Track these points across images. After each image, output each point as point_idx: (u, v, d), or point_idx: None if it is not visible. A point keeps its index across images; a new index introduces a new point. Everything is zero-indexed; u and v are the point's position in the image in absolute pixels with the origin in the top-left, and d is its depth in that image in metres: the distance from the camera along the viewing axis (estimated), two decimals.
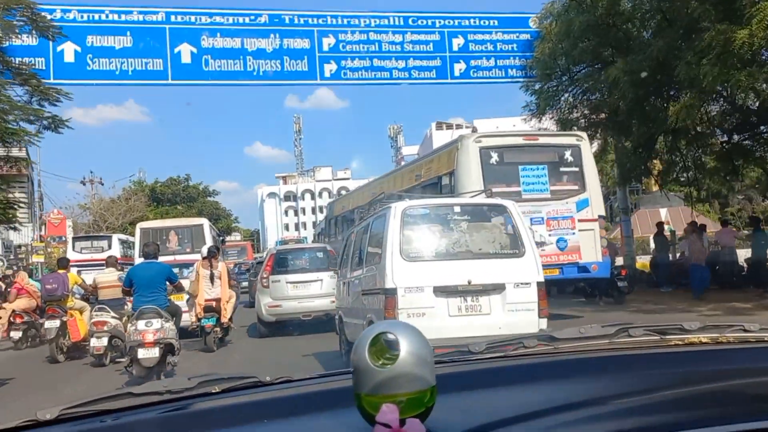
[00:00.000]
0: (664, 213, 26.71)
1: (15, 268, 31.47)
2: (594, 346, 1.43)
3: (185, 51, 16.27)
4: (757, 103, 13.31)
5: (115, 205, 43.21)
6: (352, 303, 7.28)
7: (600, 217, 11.27)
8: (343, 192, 47.09)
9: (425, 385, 0.95)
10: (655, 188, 23.62)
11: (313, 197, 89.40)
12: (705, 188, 19.09)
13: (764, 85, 11.41)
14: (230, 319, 10.68)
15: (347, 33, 16.83)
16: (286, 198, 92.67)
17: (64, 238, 30.44)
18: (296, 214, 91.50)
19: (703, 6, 11.20)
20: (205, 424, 1.12)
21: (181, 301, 9.69)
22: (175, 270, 9.02)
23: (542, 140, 11.77)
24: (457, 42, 17.35)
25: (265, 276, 12.17)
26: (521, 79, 17.44)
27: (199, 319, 10.15)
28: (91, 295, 11.13)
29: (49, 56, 15.60)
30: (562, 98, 16.51)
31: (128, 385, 6.76)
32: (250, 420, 1.10)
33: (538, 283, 5.97)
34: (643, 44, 13.70)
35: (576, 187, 11.24)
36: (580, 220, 10.97)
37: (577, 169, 11.31)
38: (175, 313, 7.98)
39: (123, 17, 15.88)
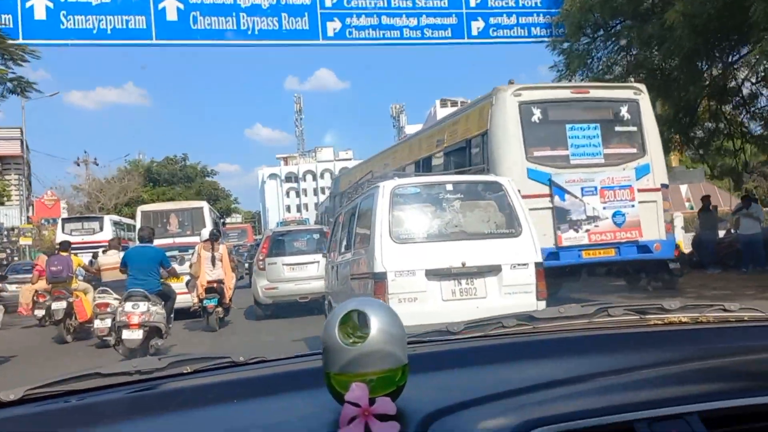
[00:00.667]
0: (684, 190, 24.56)
1: (9, 251, 29.59)
2: (574, 325, 1.46)
3: (171, 7, 14.96)
4: None
5: (108, 186, 41.18)
6: (341, 288, 7.11)
7: (663, 186, 9.75)
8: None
9: (396, 363, 0.93)
10: (675, 163, 21.56)
11: (314, 178, 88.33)
12: (719, 165, 18.10)
13: None
14: (230, 300, 11.17)
15: None
16: (288, 179, 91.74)
17: (58, 220, 28.52)
18: (297, 195, 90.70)
19: None
20: (174, 403, 1.10)
21: (180, 283, 10.20)
22: (175, 252, 9.57)
23: (594, 93, 10.07)
24: None
25: (261, 258, 12.35)
26: (546, 38, 16.10)
27: (201, 300, 10.49)
28: (94, 277, 11.66)
29: (17, 13, 14.64)
30: (595, 57, 14.41)
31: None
32: (220, 400, 1.10)
33: (536, 264, 5.85)
34: None
35: (634, 150, 9.70)
36: (639, 190, 9.40)
37: (635, 128, 9.72)
38: (168, 297, 8.41)
39: None
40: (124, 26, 14.48)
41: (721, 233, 15.26)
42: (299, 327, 9.95)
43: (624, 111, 9.62)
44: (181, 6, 14.69)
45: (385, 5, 15.62)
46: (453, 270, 5.71)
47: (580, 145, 9.40)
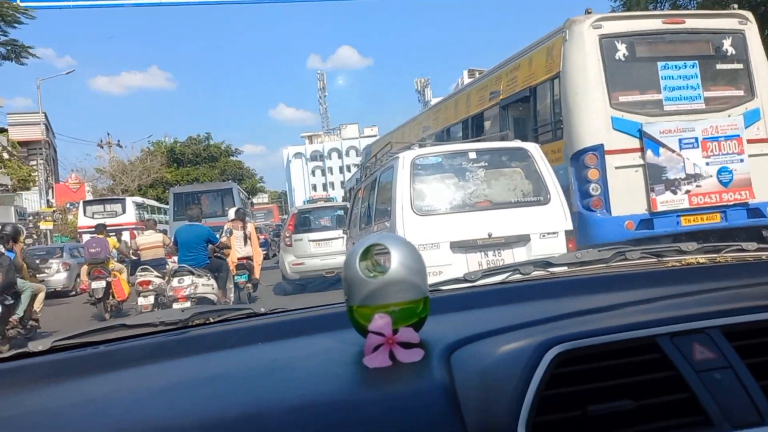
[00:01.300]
0: None
1: (35, 237, 28.99)
2: (590, 270, 1.47)
3: None
4: None
5: (131, 167, 40.19)
6: None
7: None
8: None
9: (417, 294, 0.95)
10: None
11: (340, 156, 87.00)
12: None
13: None
14: (258, 276, 11.50)
15: None
16: (313, 158, 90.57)
17: (79, 203, 27.91)
18: (323, 173, 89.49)
19: None
20: (198, 347, 1.13)
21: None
22: None
23: (690, 23, 8.11)
24: None
25: (287, 235, 12.75)
26: None
27: (232, 276, 10.78)
28: (126, 258, 12.62)
29: None
30: None
31: None
32: (244, 343, 1.13)
33: (567, 232, 5.63)
34: None
35: (741, 93, 7.98)
36: (749, 141, 7.71)
37: (740, 66, 7.99)
38: (218, 269, 8.96)
39: None
40: None
41: None
42: (325, 301, 9.52)
43: (727, 44, 7.92)
44: None
45: None
46: (479, 242, 5.54)
47: (676, 88, 7.75)
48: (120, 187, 39.88)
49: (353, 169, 27.23)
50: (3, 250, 8.57)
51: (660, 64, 7.69)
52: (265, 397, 0.82)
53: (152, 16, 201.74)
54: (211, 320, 1.34)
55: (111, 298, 11.12)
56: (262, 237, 27.42)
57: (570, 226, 5.66)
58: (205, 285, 8.20)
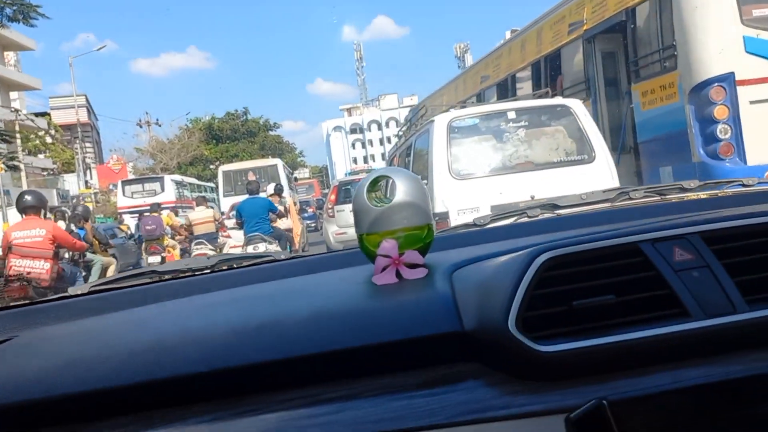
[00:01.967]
0: None
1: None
2: (596, 209, 1.54)
3: None
4: None
5: (170, 146, 40.34)
6: None
7: None
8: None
9: (422, 221, 1.02)
10: None
11: (379, 128, 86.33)
12: None
13: None
14: (298, 245, 12.11)
15: None
16: (352, 131, 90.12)
17: (118, 183, 27.93)
18: (363, 146, 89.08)
19: None
20: (223, 284, 1.24)
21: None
22: None
23: None
24: None
25: (330, 207, 13.27)
26: None
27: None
28: (178, 235, 13.50)
29: None
30: None
31: None
32: (267, 279, 1.24)
33: None
34: None
35: None
36: None
37: None
38: (280, 237, 9.97)
39: None
40: None
41: None
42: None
43: None
44: None
45: None
46: (521, 204, 4.88)
47: None
48: (159, 166, 40.06)
49: (393, 141, 26.49)
50: (75, 229, 9.33)
51: None
52: (284, 310, 0.92)
53: None
54: (235, 266, 1.46)
55: None
56: (310, 210, 27.54)
57: (617, 184, 5.36)
58: (274, 251, 8.61)
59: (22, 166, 21.58)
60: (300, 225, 12.97)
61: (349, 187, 13.81)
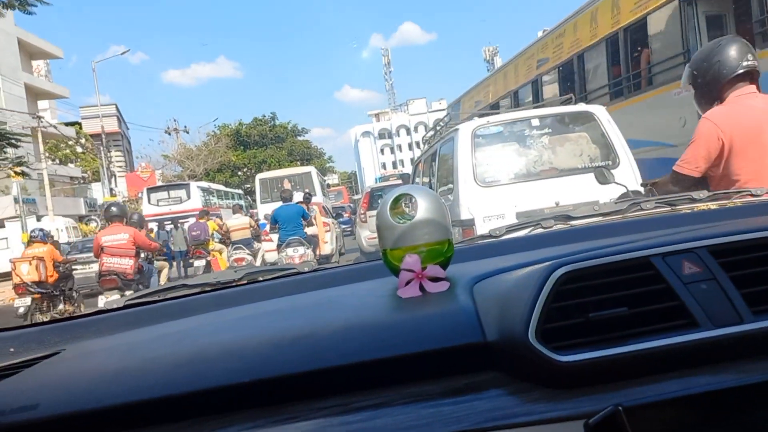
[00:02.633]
0: None
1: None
2: (608, 220, 1.58)
3: None
4: None
5: (198, 152, 40.68)
6: None
7: None
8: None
9: (443, 236, 1.07)
10: None
11: (408, 132, 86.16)
12: None
13: None
14: (321, 250, 12.88)
15: None
16: (381, 136, 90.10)
17: (144, 191, 27.78)
18: (392, 151, 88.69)
19: None
20: (253, 297, 1.29)
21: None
22: None
23: None
24: None
25: (362, 212, 14.05)
26: None
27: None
28: (226, 238, 14.00)
29: None
30: None
31: None
32: (296, 291, 1.30)
33: None
34: None
35: None
36: None
37: None
38: (310, 242, 10.96)
39: None
40: None
41: None
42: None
43: None
44: None
45: None
46: (546, 211, 5.36)
47: None
48: (186, 172, 40.29)
49: (423, 146, 26.17)
50: None
51: None
52: (315, 322, 0.97)
53: (220, 3, 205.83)
54: (261, 279, 1.53)
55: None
56: (346, 215, 27.78)
57: (641, 189, 5.32)
58: (309, 254, 10.39)
59: (34, 173, 21.41)
60: (325, 231, 13.65)
61: (380, 193, 14.28)
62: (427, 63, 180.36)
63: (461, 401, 0.76)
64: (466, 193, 5.48)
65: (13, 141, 14.46)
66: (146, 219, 25.31)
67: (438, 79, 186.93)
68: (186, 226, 15.99)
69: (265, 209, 18.67)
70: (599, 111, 5.80)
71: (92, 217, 33.90)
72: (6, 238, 24.08)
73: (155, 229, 18.40)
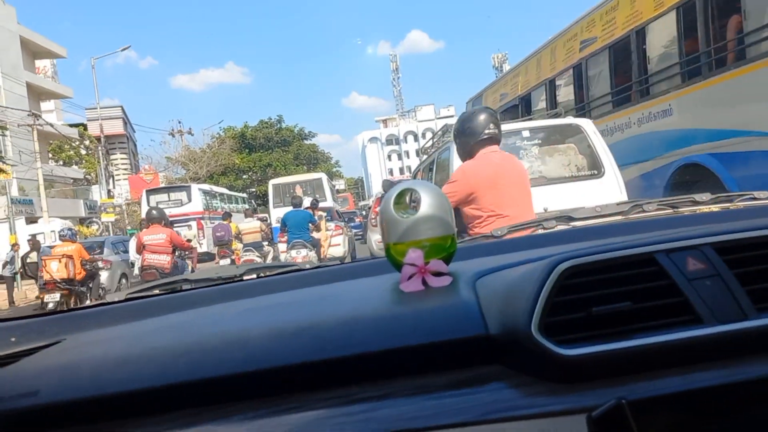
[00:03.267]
0: None
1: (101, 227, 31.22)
2: (610, 221, 1.60)
3: None
4: None
5: (202, 154, 40.72)
6: None
7: None
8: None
9: (445, 231, 1.08)
10: None
11: (416, 139, 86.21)
12: None
13: None
14: (324, 255, 13.68)
15: None
16: (388, 142, 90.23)
17: (143, 192, 27.70)
18: (399, 157, 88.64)
19: None
20: (254, 292, 1.31)
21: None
22: None
23: None
24: None
25: (373, 217, 14.53)
26: None
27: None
28: (239, 241, 15.28)
29: None
30: None
31: None
32: (297, 286, 1.29)
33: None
34: None
35: None
36: None
37: None
38: (315, 245, 11.96)
39: None
40: None
41: None
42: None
43: None
44: None
45: None
46: (534, 216, 5.82)
47: None
48: (189, 175, 40.18)
49: (421, 155, 26.37)
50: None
51: None
52: (318, 314, 0.98)
53: (230, 10, 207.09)
54: (262, 275, 1.55)
55: None
56: (357, 219, 28.16)
57: (625, 197, 5.76)
58: (313, 256, 11.24)
59: (9, 170, 21.14)
60: (337, 234, 15.14)
61: None
62: (435, 71, 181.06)
63: (464, 393, 0.77)
64: None
65: None
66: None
67: (446, 87, 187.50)
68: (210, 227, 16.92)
69: (277, 213, 19.73)
70: (586, 124, 6.15)
71: (93, 219, 33.75)
72: None
73: None
